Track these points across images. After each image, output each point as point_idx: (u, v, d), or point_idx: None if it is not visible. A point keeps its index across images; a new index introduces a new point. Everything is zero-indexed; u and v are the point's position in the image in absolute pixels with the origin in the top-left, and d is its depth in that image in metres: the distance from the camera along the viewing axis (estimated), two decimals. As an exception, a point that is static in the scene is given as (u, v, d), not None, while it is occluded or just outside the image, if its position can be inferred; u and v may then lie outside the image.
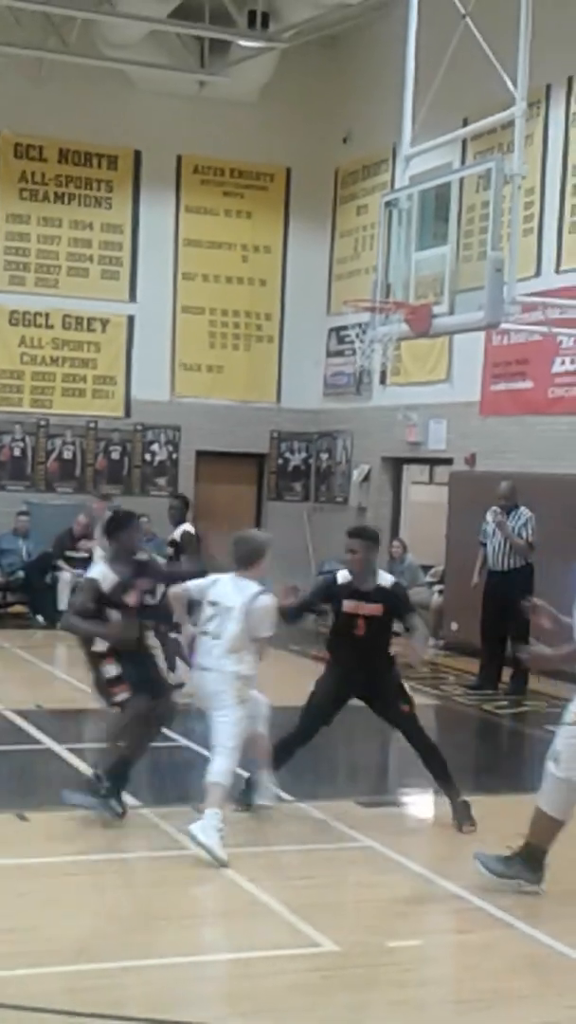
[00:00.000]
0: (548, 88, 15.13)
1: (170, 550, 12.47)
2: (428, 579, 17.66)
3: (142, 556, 8.76)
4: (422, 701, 13.17)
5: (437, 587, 17.14)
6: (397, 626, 8.49)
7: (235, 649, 7.66)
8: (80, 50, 17.73)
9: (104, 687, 8.06)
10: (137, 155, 19.22)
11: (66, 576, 16.57)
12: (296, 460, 20.20)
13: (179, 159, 19.44)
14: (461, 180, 12.08)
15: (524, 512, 13.61)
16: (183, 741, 10.33)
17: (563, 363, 15.11)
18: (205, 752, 9.42)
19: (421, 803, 9.49)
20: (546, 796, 6.85)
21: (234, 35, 17.63)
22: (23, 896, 6.77)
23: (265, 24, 17.39)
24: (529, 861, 6.91)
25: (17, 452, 18.78)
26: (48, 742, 10.26)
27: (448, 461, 17.15)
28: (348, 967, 5.95)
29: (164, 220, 19.39)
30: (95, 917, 6.61)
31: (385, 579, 8.43)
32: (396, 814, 8.89)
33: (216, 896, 6.92)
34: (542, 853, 6.91)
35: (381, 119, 17.14)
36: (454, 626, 16.31)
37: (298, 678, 13.30)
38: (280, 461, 20.14)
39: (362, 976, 5.88)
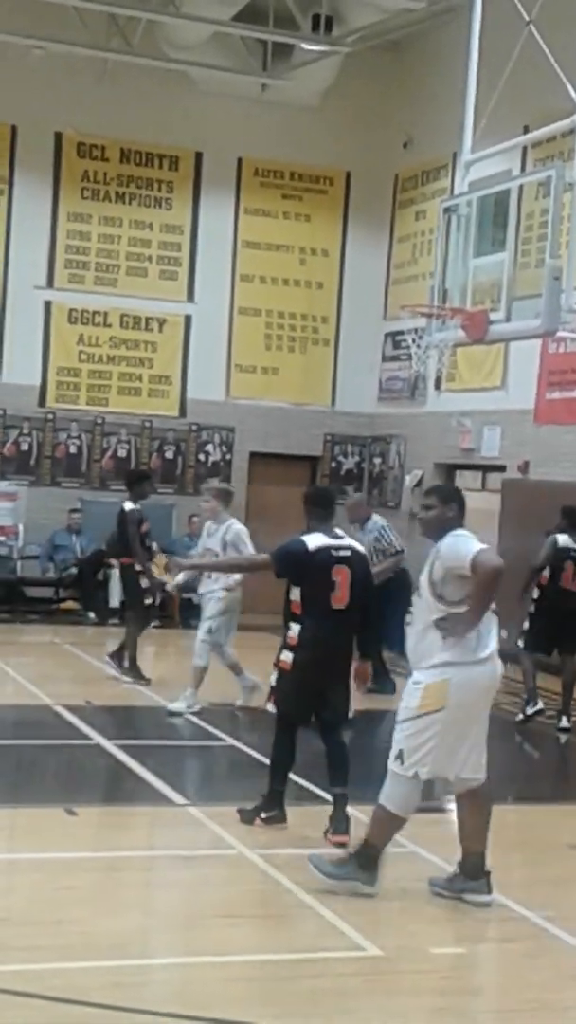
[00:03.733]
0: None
1: None
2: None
3: None
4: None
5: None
6: None
7: None
8: (144, 51, 17.83)
9: None
10: (198, 156, 19.30)
11: (117, 573, 16.63)
12: (349, 464, 20.20)
13: (239, 161, 19.51)
14: (520, 187, 12.09)
15: (376, 522, 13.33)
16: (230, 740, 10.40)
17: (620, 372, 15.04)
18: (253, 753, 9.47)
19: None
20: (388, 792, 6.83)
21: (297, 38, 17.66)
22: (69, 890, 6.83)
23: (329, 28, 17.42)
24: (364, 862, 6.85)
25: (73, 449, 18.91)
26: (97, 738, 10.34)
27: (501, 468, 17.10)
28: (390, 972, 5.97)
29: (223, 221, 19.46)
30: (139, 913, 6.67)
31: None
32: (441, 820, 8.87)
33: (260, 896, 6.95)
34: (378, 853, 6.87)
35: (442, 125, 17.12)
36: (503, 633, 16.25)
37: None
38: (333, 464, 20.15)
39: (404, 981, 5.89)
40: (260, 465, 19.39)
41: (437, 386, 18.15)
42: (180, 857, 7.39)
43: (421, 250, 18.95)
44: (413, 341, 14.43)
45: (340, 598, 7.84)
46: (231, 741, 10.46)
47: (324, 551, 7.81)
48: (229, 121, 19.13)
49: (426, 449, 18.65)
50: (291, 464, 19.62)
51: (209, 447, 19.47)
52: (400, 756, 6.79)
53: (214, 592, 11.61)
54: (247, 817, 7.98)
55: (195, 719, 11.27)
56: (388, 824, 6.89)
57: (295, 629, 7.83)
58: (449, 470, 18.72)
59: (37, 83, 18.03)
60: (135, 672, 12.79)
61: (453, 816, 9.07)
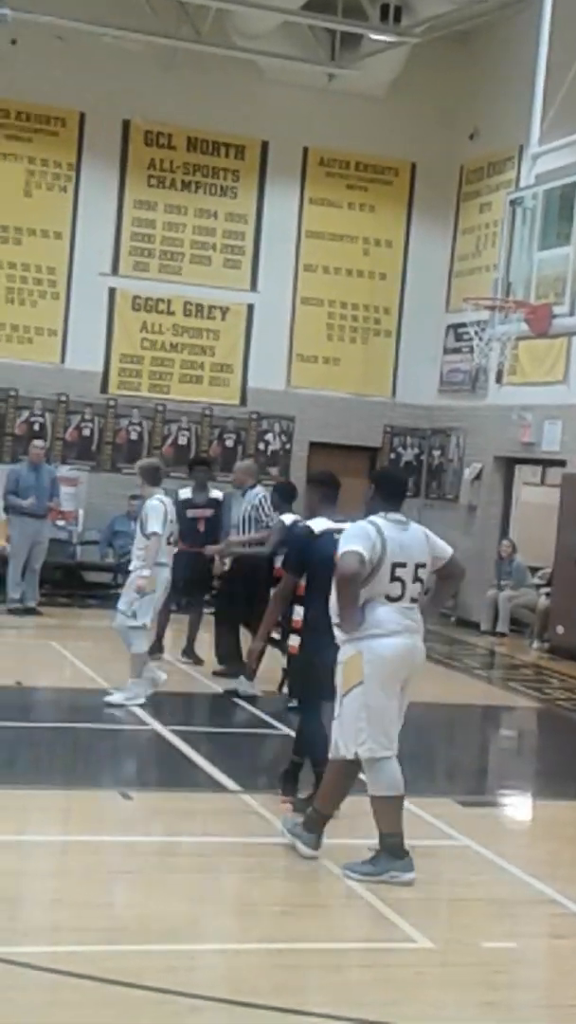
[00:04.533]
0: None
1: None
2: (536, 581, 17.56)
3: None
4: (525, 704, 13.19)
5: (544, 589, 17.04)
6: None
7: None
8: (213, 39, 17.88)
9: None
10: (264, 145, 19.32)
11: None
12: (408, 455, 20.18)
13: (305, 151, 19.51)
14: (588, 180, 11.98)
15: (258, 492, 12.67)
16: (284, 729, 10.43)
17: None
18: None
19: (520, 805, 9.49)
20: (369, 781, 7.02)
21: (366, 28, 17.63)
22: (123, 874, 6.91)
23: (397, 18, 17.37)
24: (394, 852, 6.94)
25: (134, 436, 19.01)
26: (153, 723, 10.41)
27: (561, 463, 17.01)
28: (441, 965, 5.98)
29: (288, 211, 19.47)
30: (191, 898, 6.72)
31: None
32: (495, 815, 8.88)
33: (312, 886, 6.98)
34: (401, 840, 6.96)
35: (509, 116, 17.06)
36: (560, 629, 16.21)
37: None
38: (392, 456, 20.13)
39: (454, 975, 5.90)
40: (320, 455, 19.39)
41: (498, 379, 18.07)
42: (233, 844, 7.43)
43: (485, 242, 18.88)
44: (475, 334, 14.43)
45: None
46: (285, 729, 10.49)
47: (328, 534, 7.78)
48: (295, 110, 19.13)
49: (486, 442, 18.59)
50: (351, 455, 19.61)
51: (269, 436, 19.51)
52: (358, 744, 6.96)
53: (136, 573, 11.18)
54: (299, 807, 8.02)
55: (247, 706, 11.31)
56: (388, 809, 7.00)
57: (299, 612, 7.92)
58: (508, 464, 18.66)
59: (106, 71, 18.12)
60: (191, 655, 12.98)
61: (506, 812, 9.10)
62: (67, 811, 8.21)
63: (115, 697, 10.93)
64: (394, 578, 6.96)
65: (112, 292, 18.85)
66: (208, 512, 13.43)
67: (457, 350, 19.33)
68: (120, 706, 10.80)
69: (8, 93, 18.13)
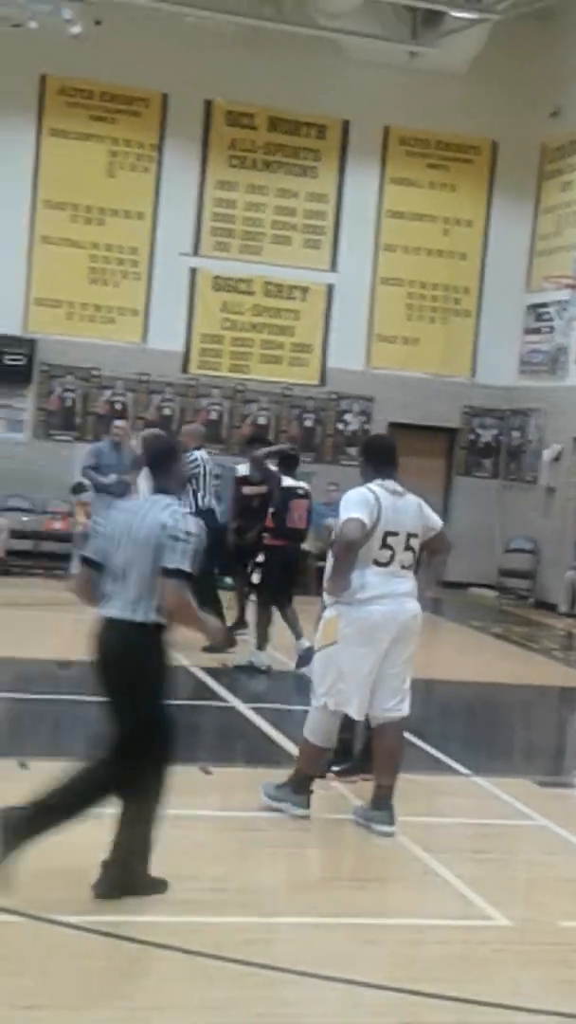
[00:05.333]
0: None
1: None
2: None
3: None
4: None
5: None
6: None
7: None
8: (294, 19, 17.89)
9: None
10: (345, 125, 19.32)
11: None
12: (487, 436, 20.12)
13: (386, 130, 19.48)
14: None
15: (199, 456, 12.80)
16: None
17: None
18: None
19: (598, 787, 9.50)
20: (309, 725, 7.44)
21: (447, 6, 17.56)
22: (203, 847, 7.01)
23: (480, -5, 17.29)
24: (297, 787, 7.42)
25: (214, 415, 19.15)
26: (233, 700, 10.53)
27: None
28: (517, 942, 6.03)
29: (368, 191, 19.46)
30: (270, 872, 6.83)
31: None
32: (572, 796, 8.90)
33: (390, 862, 7.06)
34: (309, 779, 7.46)
35: (593, 94, 16.92)
36: None
37: (477, 653, 13.35)
38: (471, 437, 20.09)
39: (531, 953, 5.95)
40: (398, 435, 19.17)
41: (579, 359, 17.98)
42: (311, 820, 7.52)
43: (566, 221, 18.75)
44: (556, 313, 14.36)
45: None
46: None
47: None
48: (376, 89, 19.09)
49: (566, 423, 18.48)
50: (429, 435, 19.61)
51: (348, 416, 19.55)
52: (313, 689, 7.43)
53: None
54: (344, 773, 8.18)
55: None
56: (312, 755, 7.48)
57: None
58: (589, 445, 18.55)
59: (188, 51, 18.21)
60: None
61: (583, 792, 9.12)
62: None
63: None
64: (384, 545, 7.18)
65: (193, 272, 18.97)
66: (263, 489, 13.53)
67: (537, 330, 19.23)
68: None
69: (92, 74, 18.28)
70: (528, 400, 19.50)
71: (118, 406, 18.70)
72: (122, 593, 5.98)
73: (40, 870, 6.46)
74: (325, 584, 7.39)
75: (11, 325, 18.28)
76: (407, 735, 8.53)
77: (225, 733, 10.01)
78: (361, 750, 8.33)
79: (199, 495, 12.45)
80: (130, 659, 6.02)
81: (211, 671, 11.56)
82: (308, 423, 19.35)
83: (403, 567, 7.28)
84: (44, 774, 7.68)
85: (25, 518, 18.05)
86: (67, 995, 5.05)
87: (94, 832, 7.12)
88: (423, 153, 19.68)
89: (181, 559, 5.86)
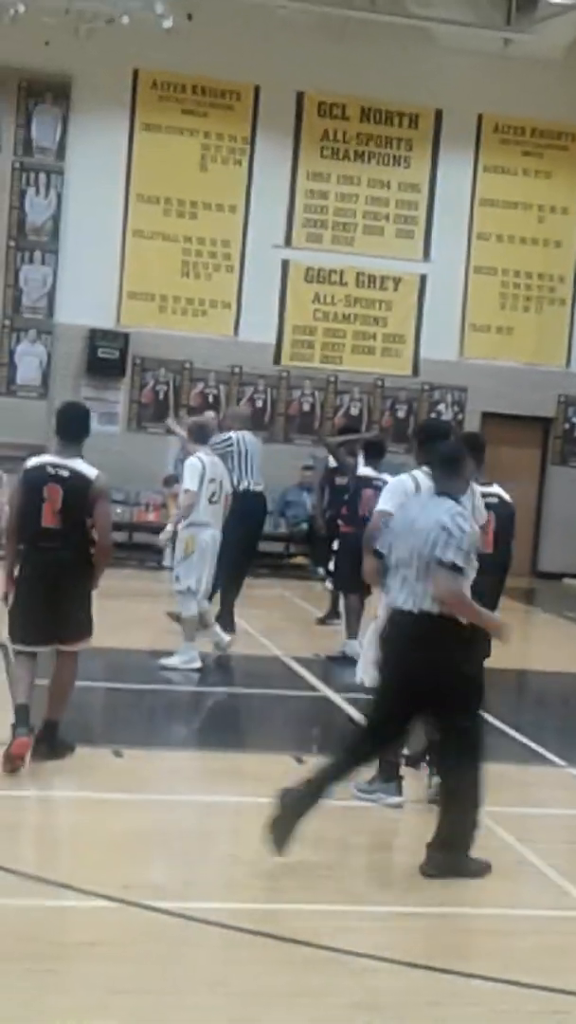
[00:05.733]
0: None
1: None
2: None
3: None
4: None
5: None
6: None
7: None
8: (386, 8, 17.81)
9: None
10: (438, 114, 19.20)
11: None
12: (583, 425, 19.89)
13: (479, 118, 19.32)
14: None
15: (235, 436, 12.54)
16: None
17: None
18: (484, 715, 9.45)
19: None
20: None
21: (542, -8, 17.37)
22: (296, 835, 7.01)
23: (574, -20, 17.07)
24: (385, 775, 7.41)
25: (306, 407, 19.15)
26: (324, 689, 10.53)
27: None
28: (613, 934, 5.97)
29: (461, 180, 19.32)
30: (365, 862, 6.83)
31: None
32: None
33: (485, 853, 6.99)
34: (394, 766, 7.43)
35: None
36: None
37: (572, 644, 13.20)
38: (567, 426, 19.87)
39: (627, 944, 5.88)
40: (492, 425, 19.22)
41: None
42: (409, 808, 7.49)
43: None
44: None
45: (487, 542, 7.89)
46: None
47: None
48: (470, 77, 18.93)
49: None
50: (524, 425, 19.44)
51: (441, 407, 19.44)
52: (365, 672, 7.58)
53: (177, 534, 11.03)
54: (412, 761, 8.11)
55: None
56: None
57: None
58: None
59: (280, 43, 18.20)
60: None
61: None
62: (241, 773, 8.37)
63: (171, 660, 10.78)
64: None
65: (285, 264, 18.98)
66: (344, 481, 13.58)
67: None
68: (174, 669, 10.68)
69: (184, 68, 18.36)
70: (624, 389, 19.24)
71: (210, 398, 18.78)
72: (409, 586, 6.43)
73: (131, 856, 6.53)
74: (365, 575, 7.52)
75: (105, 319, 18.44)
76: (501, 725, 8.50)
77: (316, 722, 10.01)
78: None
79: (234, 477, 12.13)
80: (430, 647, 6.39)
81: (303, 661, 11.58)
82: (400, 414, 19.26)
83: None
84: (138, 762, 7.75)
85: (119, 510, 18.17)
86: (162, 981, 5.08)
87: (176, 819, 7.19)
88: (517, 140, 19.50)
89: (455, 553, 6.30)
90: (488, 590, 8.02)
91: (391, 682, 6.58)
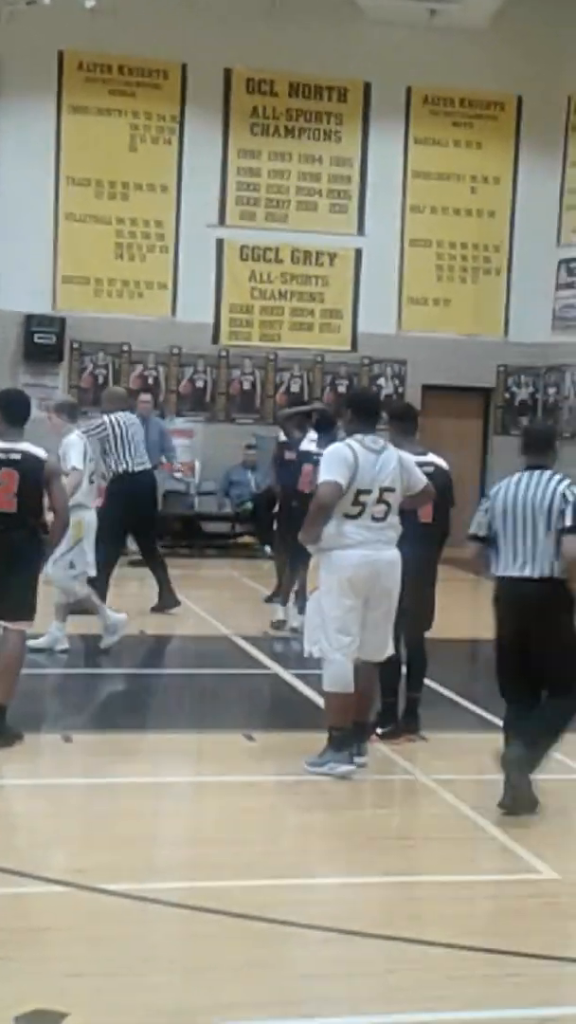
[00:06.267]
0: None
1: None
2: None
3: None
4: None
5: None
6: None
7: None
8: (311, -18, 17.75)
9: None
10: (367, 87, 19.16)
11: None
12: (523, 395, 19.97)
13: (408, 90, 19.29)
14: None
15: (108, 420, 12.17)
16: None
17: None
18: (433, 684, 9.54)
19: None
20: (324, 677, 7.57)
21: (466, -39, 17.36)
22: (250, 812, 7.04)
23: (498, -51, 17.08)
24: (337, 745, 7.48)
25: (247, 386, 19.11)
26: (275, 667, 10.54)
27: None
28: (566, 895, 6.01)
29: (393, 152, 19.30)
30: (317, 834, 6.85)
31: None
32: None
33: (438, 820, 7.05)
34: (345, 734, 7.50)
35: (617, 43, 16.70)
36: None
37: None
38: (507, 395, 19.96)
39: (580, 904, 5.94)
40: (433, 397, 19.27)
41: (613, 313, 17.82)
42: (357, 781, 7.52)
43: (596, 174, 18.55)
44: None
45: (426, 514, 8.14)
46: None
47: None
48: (397, 49, 18.89)
49: (602, 378, 18.35)
50: (464, 396, 19.50)
51: (381, 380, 19.46)
52: (312, 643, 7.63)
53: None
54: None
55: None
56: (336, 703, 7.54)
57: None
58: (626, 398, 18.40)
59: (206, 20, 18.09)
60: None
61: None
62: (196, 753, 8.39)
63: (39, 641, 10.14)
64: (356, 501, 7.43)
65: (220, 243, 18.90)
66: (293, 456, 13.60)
67: (570, 285, 19.07)
68: (42, 651, 10.17)
69: (110, 48, 18.19)
70: (563, 356, 19.32)
71: (150, 380, 18.70)
72: (525, 555, 6.93)
73: (83, 840, 6.52)
74: (300, 535, 7.75)
75: (41, 304, 18.29)
76: (453, 695, 8.56)
77: (267, 700, 10.03)
78: (405, 711, 8.34)
79: (112, 460, 12.00)
80: (554, 610, 6.90)
81: (250, 639, 11.58)
82: (341, 389, 19.22)
83: (374, 518, 7.48)
84: (88, 746, 7.72)
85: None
86: (116, 962, 5.07)
87: (129, 801, 7.18)
88: (447, 112, 19.50)
89: (572, 518, 6.84)
90: (427, 559, 8.12)
91: (512, 643, 7.01)
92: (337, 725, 7.52)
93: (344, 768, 7.46)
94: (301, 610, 11.66)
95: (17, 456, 7.84)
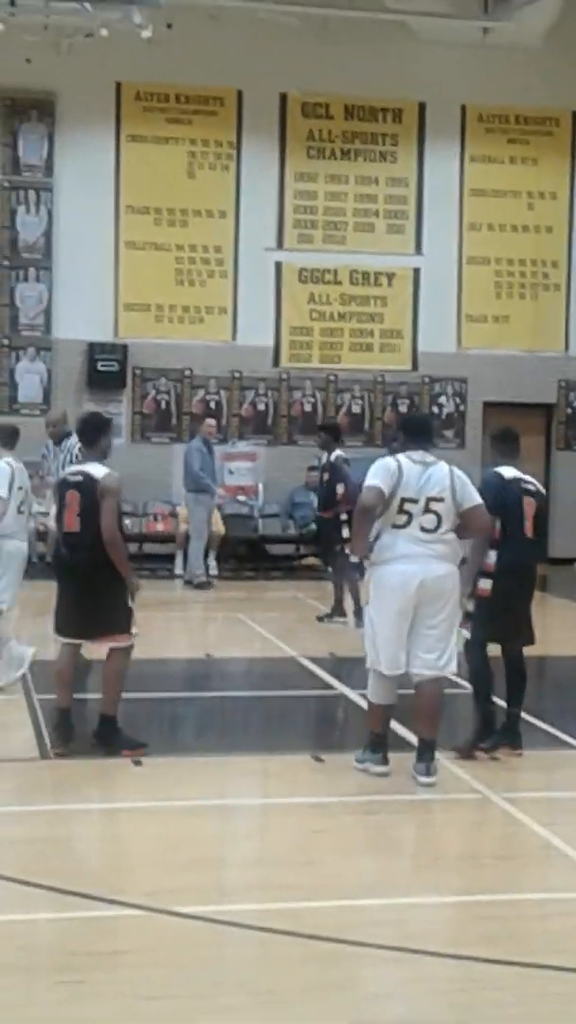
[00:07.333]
0: None
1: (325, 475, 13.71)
2: None
3: None
4: None
5: None
6: None
7: None
8: (363, 4, 17.83)
9: None
10: (421, 107, 19.21)
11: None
12: (586, 409, 19.89)
13: (463, 109, 19.33)
14: None
15: (74, 442, 11.19)
16: (469, 688, 10.43)
17: None
18: (502, 703, 9.52)
19: None
20: (368, 686, 7.91)
21: (518, -21, 17.37)
22: (320, 833, 7.05)
23: (550, -35, 17.09)
24: (372, 746, 7.85)
25: (308, 407, 19.17)
26: (341, 687, 10.55)
27: None
28: None
29: (449, 171, 19.34)
30: (388, 855, 6.84)
31: None
32: None
33: (509, 839, 7.03)
34: (380, 738, 7.86)
35: None
36: None
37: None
38: (569, 411, 19.87)
39: None
40: (495, 414, 19.21)
41: None
42: (427, 801, 7.51)
43: None
44: None
45: (529, 528, 8.25)
46: (470, 689, 10.51)
47: (516, 481, 8.30)
48: (451, 69, 18.95)
49: None
50: (526, 412, 19.40)
51: (442, 399, 19.45)
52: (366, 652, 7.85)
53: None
54: (465, 752, 8.20)
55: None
56: (374, 712, 7.91)
57: (492, 556, 8.15)
58: None
59: (260, 46, 18.24)
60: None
61: None
62: (263, 775, 8.41)
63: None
64: (402, 510, 7.54)
65: (278, 266, 19.01)
66: (325, 476, 14.00)
67: (630, 298, 18.96)
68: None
69: (166, 77, 18.40)
70: (625, 370, 19.23)
71: (212, 405, 18.81)
72: None
73: (155, 863, 6.56)
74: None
75: (103, 332, 18.48)
76: (524, 714, 8.53)
77: (334, 720, 10.04)
78: (506, 726, 8.34)
79: None
80: None
81: (317, 660, 11.60)
82: (403, 408, 19.25)
83: (424, 529, 7.57)
84: (158, 769, 7.79)
85: (128, 521, 18.21)
86: (190, 985, 5.10)
87: (199, 824, 7.21)
88: (502, 129, 19.51)
89: None
90: (528, 574, 8.38)
91: None
92: (374, 730, 7.90)
93: (379, 768, 7.81)
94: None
95: (80, 478, 8.20)
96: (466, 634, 8.31)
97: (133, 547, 18.05)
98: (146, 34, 16.59)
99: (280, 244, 19.02)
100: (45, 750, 8.43)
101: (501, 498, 8.16)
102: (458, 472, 7.76)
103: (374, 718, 7.95)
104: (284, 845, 6.94)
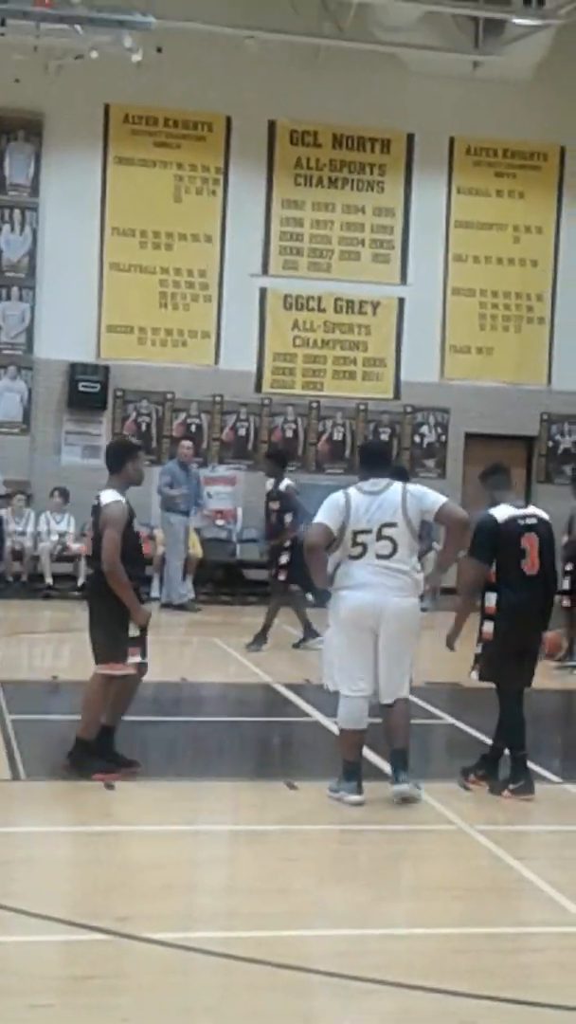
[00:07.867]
0: None
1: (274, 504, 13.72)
2: None
3: None
4: None
5: None
6: None
7: None
8: (355, 35, 17.89)
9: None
10: (410, 138, 19.27)
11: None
12: (567, 443, 19.91)
13: (451, 141, 19.39)
14: None
15: None
16: (449, 719, 10.38)
17: None
18: (473, 732, 9.46)
19: None
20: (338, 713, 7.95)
21: (509, 13, 17.46)
22: (292, 861, 6.98)
23: (541, 1, 17.16)
24: (345, 775, 7.82)
25: (289, 434, 19.14)
26: (316, 715, 10.47)
27: None
28: (613, 948, 5.91)
29: (436, 202, 19.39)
30: (361, 884, 6.77)
31: None
32: None
33: (482, 871, 6.96)
34: (352, 766, 7.85)
35: None
36: None
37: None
38: (550, 444, 19.89)
39: (628, 958, 5.83)
40: (476, 446, 19.25)
41: None
42: (401, 832, 7.45)
43: None
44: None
45: (531, 565, 8.13)
46: (450, 720, 10.46)
47: (512, 521, 8.15)
48: (440, 101, 19.02)
49: None
50: (508, 444, 19.42)
51: (424, 429, 19.45)
52: (327, 677, 7.97)
53: None
54: (496, 789, 8.15)
55: (414, 698, 11.27)
56: (345, 739, 7.92)
57: (491, 599, 8.10)
58: None
59: (250, 73, 18.26)
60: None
61: None
62: (235, 802, 8.33)
63: None
64: (356, 543, 7.68)
65: (263, 292, 19.00)
66: (274, 505, 13.97)
67: (613, 334, 19.02)
68: None
69: (155, 101, 18.41)
70: (607, 405, 19.26)
71: (193, 428, 18.77)
72: None
73: (125, 888, 6.47)
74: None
75: (85, 352, 18.43)
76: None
77: (309, 748, 9.95)
78: (487, 756, 8.37)
79: None
80: None
81: (292, 687, 11.53)
82: (384, 437, 19.21)
83: (379, 556, 7.66)
84: (130, 794, 7.69)
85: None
86: (159, 1010, 5.03)
87: (170, 850, 7.13)
88: (490, 162, 19.58)
89: None
90: (533, 609, 8.25)
91: None
92: (347, 758, 7.86)
93: (353, 798, 7.75)
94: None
95: (96, 503, 8.30)
96: (474, 676, 8.27)
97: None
98: (136, 57, 16.60)
99: (265, 270, 19.03)
100: (16, 771, 8.34)
101: (493, 543, 8.08)
102: (411, 488, 7.85)
103: (346, 745, 7.94)
104: (255, 872, 6.86)
